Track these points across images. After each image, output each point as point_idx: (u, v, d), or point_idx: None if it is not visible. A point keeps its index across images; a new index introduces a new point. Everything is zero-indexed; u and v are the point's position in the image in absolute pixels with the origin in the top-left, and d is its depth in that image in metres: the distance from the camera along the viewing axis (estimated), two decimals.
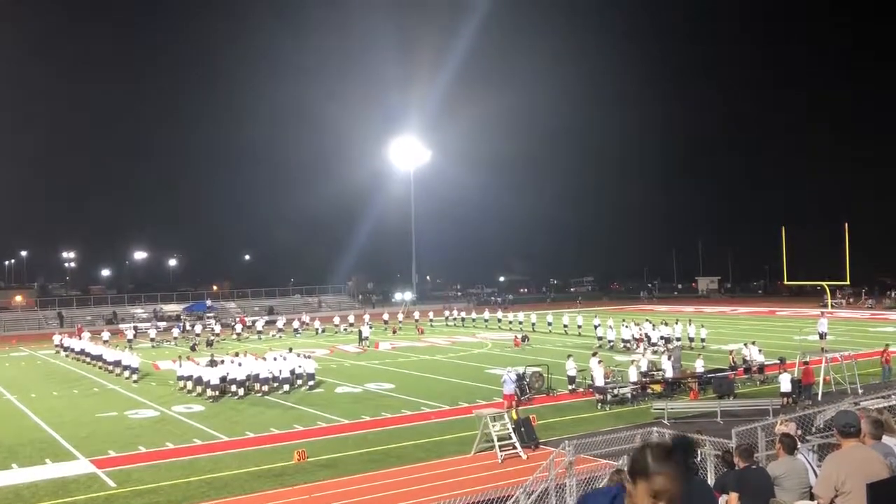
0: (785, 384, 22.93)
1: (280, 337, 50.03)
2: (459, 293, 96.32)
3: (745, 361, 28.16)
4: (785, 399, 22.45)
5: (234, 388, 27.17)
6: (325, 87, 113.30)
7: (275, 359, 29.23)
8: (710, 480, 11.16)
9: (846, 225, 54.36)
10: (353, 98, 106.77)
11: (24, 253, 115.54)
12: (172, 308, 70.46)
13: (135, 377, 31.79)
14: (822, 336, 37.65)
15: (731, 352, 30.02)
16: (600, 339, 40.48)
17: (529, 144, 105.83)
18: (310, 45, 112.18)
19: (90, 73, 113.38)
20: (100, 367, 36.07)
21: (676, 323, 40.43)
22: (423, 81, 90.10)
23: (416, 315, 59.12)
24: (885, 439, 5.97)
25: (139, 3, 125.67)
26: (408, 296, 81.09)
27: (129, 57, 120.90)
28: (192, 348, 42.60)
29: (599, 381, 24.13)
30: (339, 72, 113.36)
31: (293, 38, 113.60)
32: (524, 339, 42.02)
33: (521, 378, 25.18)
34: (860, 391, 23.37)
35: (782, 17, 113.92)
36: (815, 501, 5.58)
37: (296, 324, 53.18)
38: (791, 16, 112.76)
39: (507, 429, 18.29)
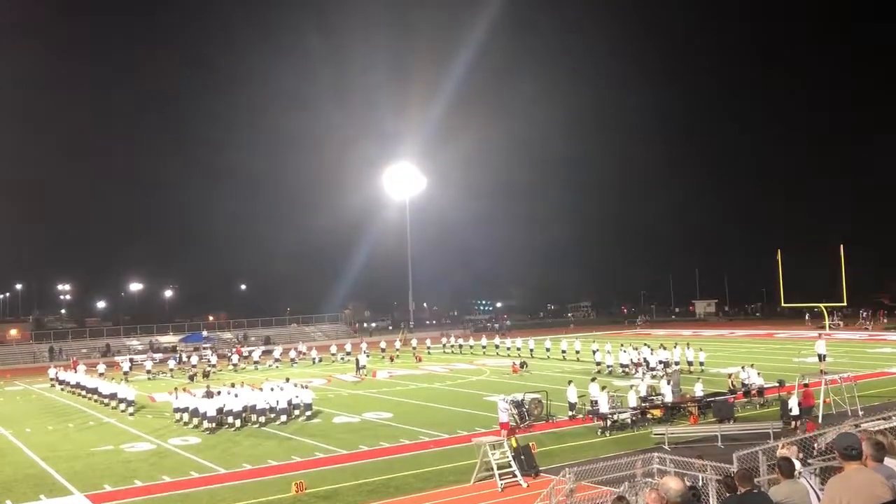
0: (795, 407, 22.81)
1: (277, 367, 49.80)
2: (450, 321, 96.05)
3: (744, 385, 28.05)
4: (795, 422, 22.31)
5: (230, 419, 26.97)
6: (320, 114, 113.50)
7: (272, 389, 29.02)
8: None
9: (841, 246, 54.45)
10: (348, 125, 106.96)
11: (19, 286, 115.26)
12: (168, 339, 70.06)
13: (130, 410, 31.54)
14: (821, 358, 37.56)
15: (730, 375, 29.91)
16: (599, 364, 40.34)
17: (526, 171, 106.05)
18: (304, 72, 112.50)
19: (85, 103, 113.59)
20: (95, 400, 35.77)
21: (675, 347, 40.31)
22: (419, 109, 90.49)
23: (414, 342, 58.85)
24: (888, 461, 5.93)
25: (136, 34, 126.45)
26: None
27: (125, 87, 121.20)
28: (191, 379, 42.34)
29: (604, 408, 23.98)
30: (334, 99, 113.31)
31: (287, 65, 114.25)
32: (523, 365, 41.84)
33: (519, 405, 25.06)
34: (861, 413, 23.27)
35: (781, 50, 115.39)
36: None
37: (292, 353, 52.92)
38: (789, 49, 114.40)
39: (507, 457, 18.14)
